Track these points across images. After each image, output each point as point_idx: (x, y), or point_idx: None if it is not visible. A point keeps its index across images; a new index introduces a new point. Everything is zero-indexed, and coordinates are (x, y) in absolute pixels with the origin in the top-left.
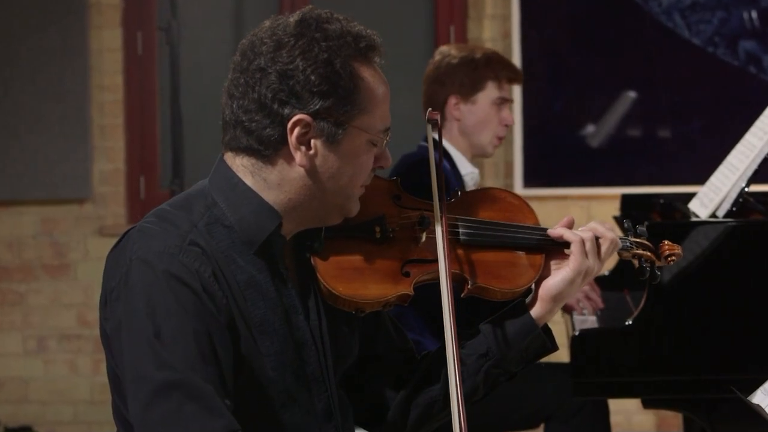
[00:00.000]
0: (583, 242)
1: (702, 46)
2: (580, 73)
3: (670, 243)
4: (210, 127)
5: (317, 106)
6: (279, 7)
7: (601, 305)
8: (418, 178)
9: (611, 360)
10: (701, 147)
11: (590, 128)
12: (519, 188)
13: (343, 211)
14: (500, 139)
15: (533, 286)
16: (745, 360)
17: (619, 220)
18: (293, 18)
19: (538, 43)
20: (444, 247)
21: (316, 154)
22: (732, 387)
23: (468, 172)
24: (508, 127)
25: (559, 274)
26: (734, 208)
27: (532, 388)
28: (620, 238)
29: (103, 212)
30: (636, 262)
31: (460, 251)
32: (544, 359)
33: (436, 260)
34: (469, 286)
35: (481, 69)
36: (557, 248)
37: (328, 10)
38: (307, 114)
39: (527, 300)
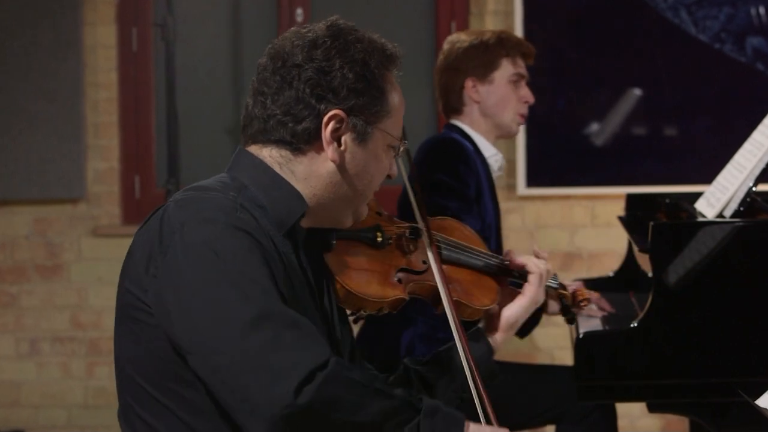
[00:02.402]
0: (541, 275)
1: (708, 43)
2: (583, 70)
3: (581, 290)
4: (206, 124)
5: (352, 103)
6: (277, 4)
7: (611, 309)
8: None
9: (616, 363)
10: (708, 145)
11: (594, 126)
12: (522, 188)
13: (356, 214)
14: (522, 116)
15: (494, 308)
16: (752, 363)
17: (623, 221)
18: (322, 24)
19: (540, 40)
20: (435, 252)
21: (345, 150)
22: (739, 390)
23: (492, 154)
24: (528, 104)
25: (517, 302)
26: (742, 208)
27: (541, 388)
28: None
29: (97, 212)
30: (558, 302)
31: (439, 265)
32: (548, 362)
33: (423, 272)
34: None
35: (492, 48)
36: (513, 278)
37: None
38: (342, 110)
39: (482, 326)
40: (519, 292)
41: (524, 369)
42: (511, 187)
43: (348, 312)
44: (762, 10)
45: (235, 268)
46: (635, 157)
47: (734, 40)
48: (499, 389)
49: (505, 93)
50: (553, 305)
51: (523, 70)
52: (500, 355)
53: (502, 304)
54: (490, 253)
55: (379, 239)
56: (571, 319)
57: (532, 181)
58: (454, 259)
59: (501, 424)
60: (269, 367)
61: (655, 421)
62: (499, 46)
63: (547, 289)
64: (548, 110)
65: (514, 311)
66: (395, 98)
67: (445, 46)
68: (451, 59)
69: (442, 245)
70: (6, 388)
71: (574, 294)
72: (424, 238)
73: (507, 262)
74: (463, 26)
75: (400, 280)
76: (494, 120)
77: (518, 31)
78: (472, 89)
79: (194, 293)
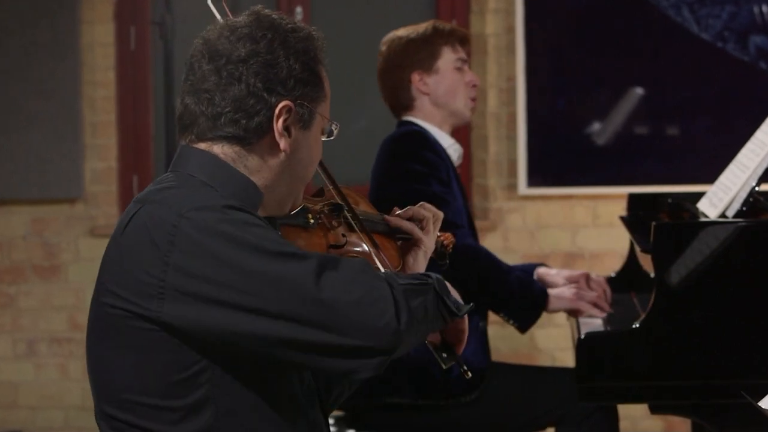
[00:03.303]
0: (425, 224)
1: (711, 41)
2: (585, 69)
3: (445, 233)
4: None
5: (298, 93)
6: (276, 3)
7: (608, 309)
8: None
9: (618, 364)
10: (710, 145)
11: (596, 126)
12: (523, 187)
13: (297, 200)
14: (473, 100)
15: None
16: (755, 364)
17: (625, 221)
18: (248, 17)
19: (542, 38)
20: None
21: (294, 139)
22: (742, 392)
23: (449, 144)
24: (476, 86)
25: (417, 253)
26: (744, 208)
27: (542, 390)
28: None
29: (95, 212)
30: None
31: (356, 237)
32: (547, 364)
33: (344, 244)
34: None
35: (431, 38)
36: (402, 235)
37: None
38: (290, 100)
39: None
40: (412, 244)
41: (523, 370)
42: (512, 186)
43: None
44: (765, 8)
45: (263, 234)
46: (637, 156)
47: (737, 39)
48: (498, 391)
49: (452, 80)
50: None
51: (463, 55)
52: (500, 356)
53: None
54: (375, 213)
55: (311, 221)
56: (444, 263)
57: (533, 180)
58: (369, 228)
59: (502, 425)
60: (356, 300)
61: (658, 422)
62: (437, 35)
63: None
64: (549, 109)
65: (418, 262)
66: (327, 82)
67: (382, 47)
68: (392, 58)
69: (360, 216)
70: (3, 389)
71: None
72: (344, 211)
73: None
74: (464, 25)
75: None
76: (447, 108)
77: (519, 30)
78: (419, 82)
79: (233, 265)
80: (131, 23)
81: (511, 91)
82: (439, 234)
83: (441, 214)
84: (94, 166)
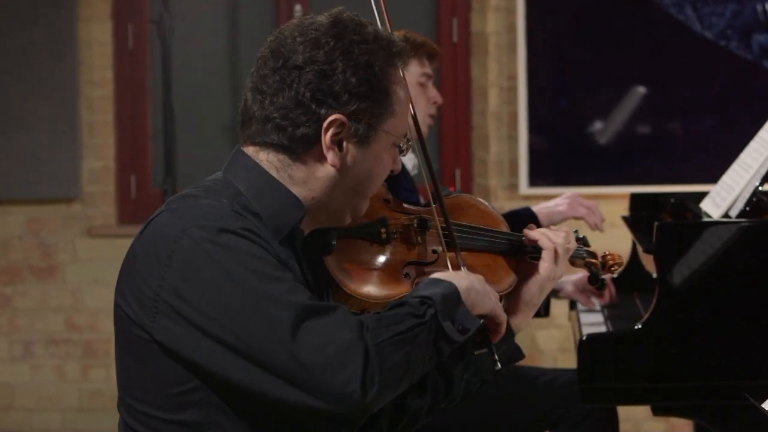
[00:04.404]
0: (555, 249)
1: (714, 40)
2: (587, 68)
3: (612, 253)
4: (203, 123)
5: (353, 107)
6: (275, 0)
7: (615, 298)
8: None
9: (620, 365)
10: (713, 144)
11: (598, 125)
12: (524, 187)
13: (356, 211)
14: (431, 116)
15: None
16: (758, 365)
17: (627, 221)
18: (326, 19)
19: (543, 37)
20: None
21: (347, 154)
22: (746, 393)
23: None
24: (437, 104)
25: (532, 281)
26: (748, 208)
27: (539, 393)
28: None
29: (92, 212)
30: (587, 271)
31: (451, 254)
32: (549, 365)
33: (433, 262)
34: None
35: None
36: (530, 254)
37: (356, 14)
38: (343, 114)
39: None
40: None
41: (522, 371)
42: (513, 186)
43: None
44: None
45: (255, 267)
46: (639, 156)
47: (740, 37)
48: (497, 392)
49: (413, 94)
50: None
51: (429, 70)
52: None
53: (522, 283)
54: (504, 231)
55: (384, 235)
56: (600, 287)
57: (535, 180)
58: (467, 246)
59: (500, 426)
60: (325, 362)
61: (660, 424)
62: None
63: (573, 259)
64: (550, 109)
65: (530, 290)
66: (400, 96)
67: None
68: None
69: (454, 231)
70: (0, 391)
71: (604, 259)
72: (435, 228)
73: (522, 239)
74: (465, 23)
75: (407, 275)
76: None
77: (520, 29)
78: None
79: (215, 314)
80: (129, 21)
81: (512, 90)
82: (606, 252)
83: (568, 246)
84: (91, 165)
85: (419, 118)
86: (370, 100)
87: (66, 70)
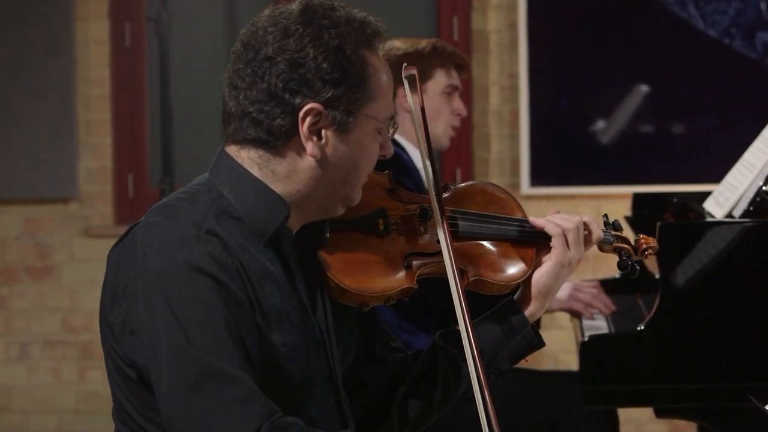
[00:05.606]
0: (563, 234)
1: (717, 38)
2: (589, 66)
3: (645, 237)
4: (201, 122)
5: (329, 95)
6: None
7: (612, 307)
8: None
9: (622, 366)
10: (716, 144)
11: (600, 124)
12: (525, 187)
13: (347, 201)
14: (454, 129)
15: (524, 281)
16: (762, 367)
17: (630, 220)
18: (296, 6)
19: (545, 35)
20: (446, 238)
21: (326, 143)
22: (749, 395)
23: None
24: (461, 116)
25: (544, 269)
26: (751, 208)
27: (539, 395)
28: (603, 231)
29: (89, 212)
30: (617, 256)
31: (457, 244)
32: (550, 366)
33: (437, 253)
34: (469, 280)
35: (427, 57)
36: (545, 241)
37: None
38: (318, 102)
39: (516, 297)
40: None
41: (522, 373)
42: (515, 186)
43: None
44: None
45: (187, 321)
46: (642, 155)
47: (744, 35)
48: (497, 395)
49: (437, 104)
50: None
51: (457, 82)
52: None
53: (536, 271)
54: (514, 217)
55: (382, 227)
56: (632, 272)
57: (536, 180)
58: (475, 234)
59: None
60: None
61: (663, 426)
62: (434, 55)
63: (602, 245)
64: (552, 107)
65: (540, 278)
66: (381, 79)
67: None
68: None
69: (460, 221)
70: None
71: (637, 243)
72: (436, 218)
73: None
74: (466, 21)
75: (409, 266)
76: None
77: (522, 27)
78: (403, 98)
79: (147, 343)
80: (126, 19)
81: (514, 89)
82: (639, 237)
83: (580, 228)
84: (88, 165)
85: (441, 129)
86: (345, 86)
87: (63, 69)
